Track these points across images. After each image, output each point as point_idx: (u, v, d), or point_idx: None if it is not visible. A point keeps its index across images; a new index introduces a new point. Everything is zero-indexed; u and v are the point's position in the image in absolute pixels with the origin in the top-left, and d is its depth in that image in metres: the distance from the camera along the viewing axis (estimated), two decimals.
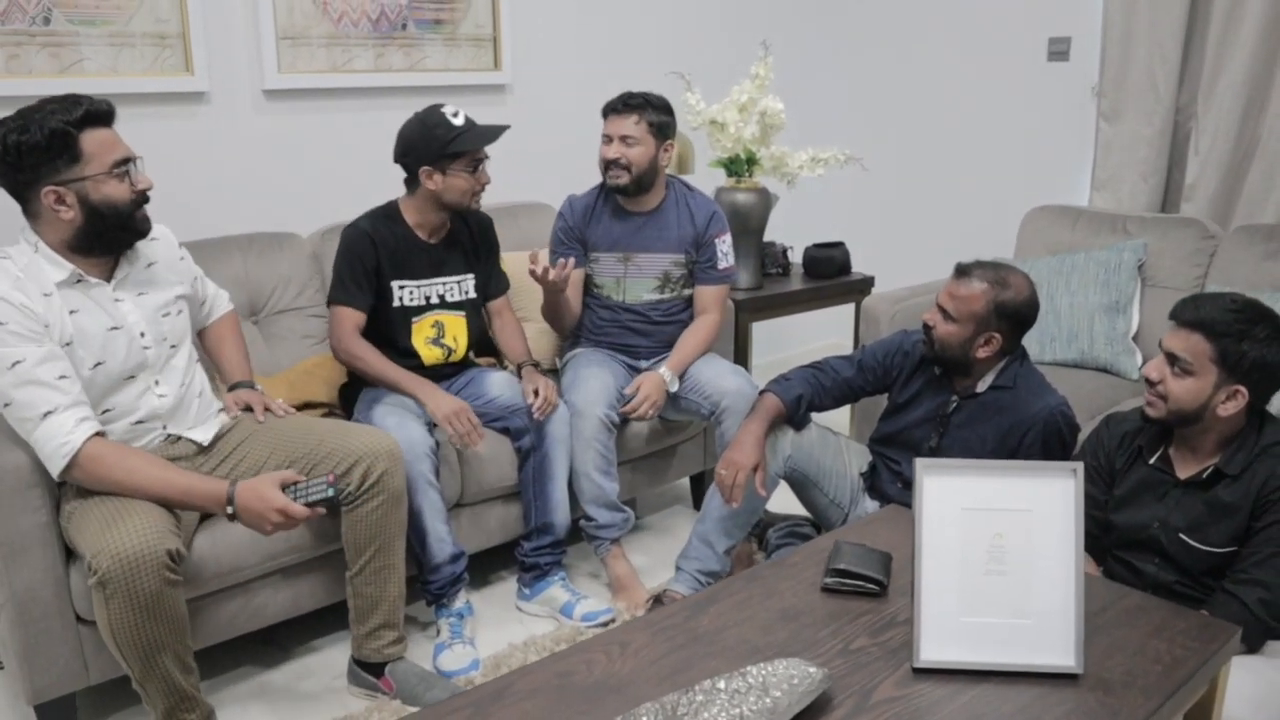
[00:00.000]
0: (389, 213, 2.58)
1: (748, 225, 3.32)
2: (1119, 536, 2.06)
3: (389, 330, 2.58)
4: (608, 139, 2.72)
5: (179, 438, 2.14)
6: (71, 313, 1.96)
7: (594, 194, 2.84)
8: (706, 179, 3.44)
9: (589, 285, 2.86)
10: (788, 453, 2.48)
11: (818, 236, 3.76)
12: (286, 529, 1.97)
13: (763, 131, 3.20)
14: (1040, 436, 2.27)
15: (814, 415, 2.55)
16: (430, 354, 2.62)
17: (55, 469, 1.87)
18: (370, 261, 2.51)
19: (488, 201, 3.35)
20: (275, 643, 2.52)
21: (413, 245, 2.57)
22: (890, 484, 2.49)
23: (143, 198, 2.01)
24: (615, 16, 3.74)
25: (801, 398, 2.49)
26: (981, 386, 2.34)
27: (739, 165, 3.28)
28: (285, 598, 2.32)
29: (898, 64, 4.27)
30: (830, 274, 3.57)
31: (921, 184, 4.27)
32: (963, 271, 2.30)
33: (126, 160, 1.97)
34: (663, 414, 2.79)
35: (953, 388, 2.38)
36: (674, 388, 2.73)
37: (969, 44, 4.01)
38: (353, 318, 2.51)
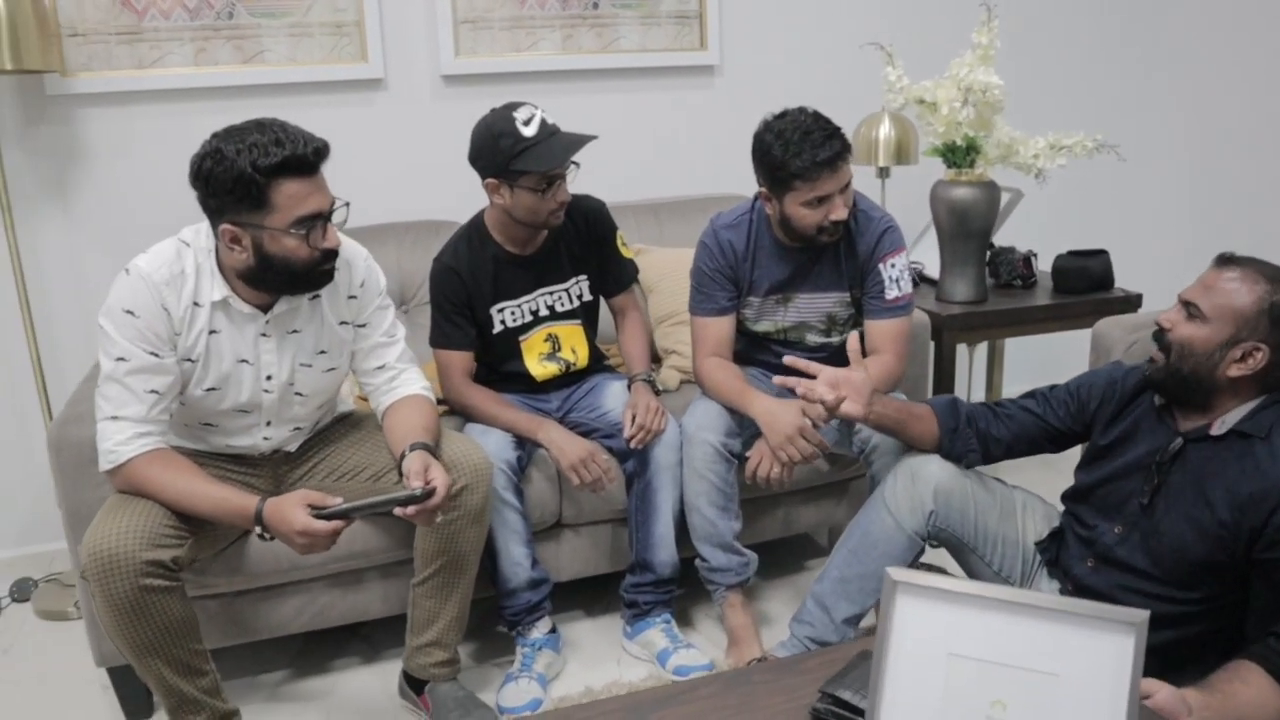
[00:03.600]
0: (474, 231, 2.35)
1: (967, 226, 2.76)
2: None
3: (496, 356, 2.39)
4: (821, 199, 2.15)
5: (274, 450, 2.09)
6: (212, 332, 1.87)
7: (747, 222, 2.33)
8: (925, 169, 2.91)
9: (740, 323, 2.42)
10: (930, 508, 1.98)
11: (1079, 242, 3.06)
12: (317, 550, 1.82)
13: (979, 114, 2.63)
14: None
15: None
16: (545, 371, 2.41)
17: (100, 466, 1.88)
18: (460, 296, 2.30)
19: (677, 192, 3.12)
20: (361, 639, 2.46)
21: (505, 263, 2.32)
22: (1077, 560, 1.89)
23: (326, 256, 1.83)
24: None
25: (956, 402, 1.99)
26: (1220, 427, 1.70)
27: (958, 154, 2.72)
28: (355, 601, 2.24)
29: (1171, 20, 3.37)
30: (1083, 289, 2.89)
31: (1215, 178, 3.35)
32: (1228, 260, 1.70)
33: (315, 217, 1.78)
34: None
35: (1176, 425, 1.77)
36: (818, 434, 2.21)
37: None
38: (459, 362, 2.33)
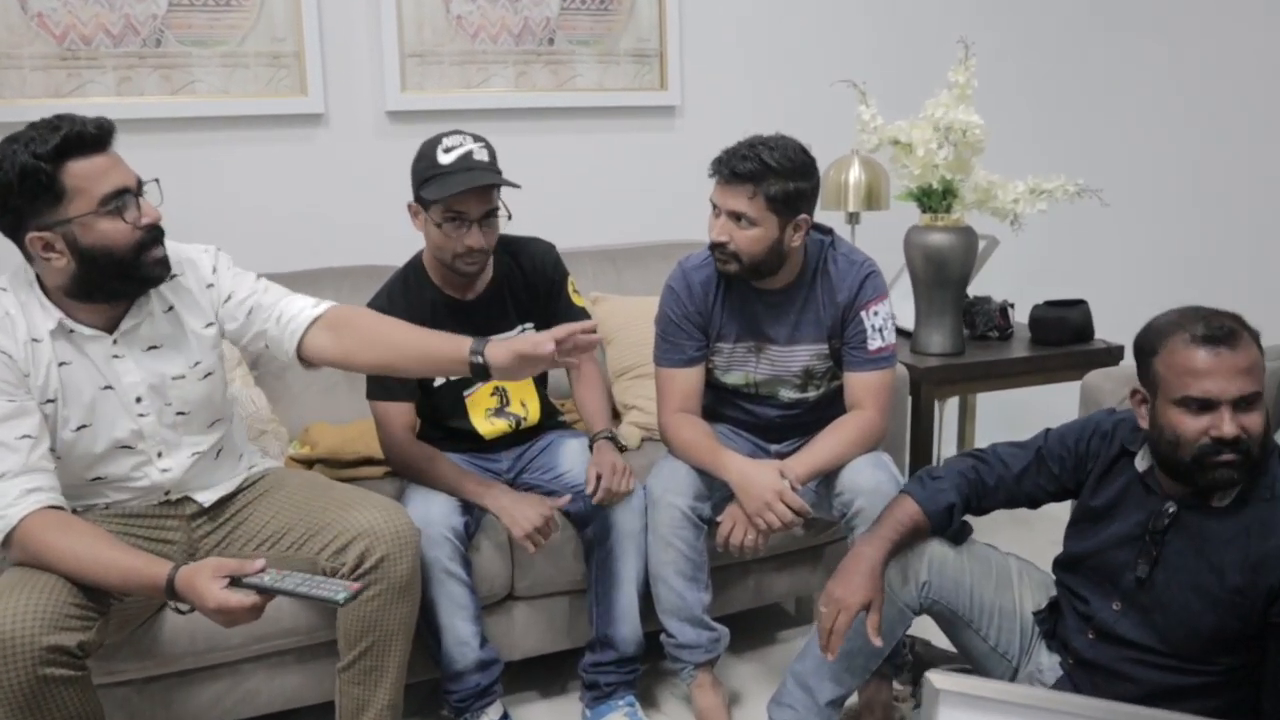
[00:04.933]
0: (411, 273, 2.16)
1: (945, 274, 2.62)
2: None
3: (439, 413, 2.18)
4: (715, 209, 2.06)
5: (183, 498, 1.88)
6: (61, 365, 1.70)
7: (712, 264, 2.14)
8: (897, 215, 2.78)
9: (709, 374, 2.24)
10: (924, 578, 1.82)
11: (1059, 293, 2.95)
12: (242, 623, 1.62)
13: (957, 155, 2.51)
14: None
15: (975, 520, 1.89)
16: (493, 428, 2.21)
17: None
18: None
19: (636, 238, 2.97)
20: None
21: (444, 308, 2.13)
22: (1076, 633, 1.75)
23: (151, 234, 1.68)
24: (789, 19, 3.18)
25: (953, 507, 1.82)
26: (1222, 500, 1.58)
27: (934, 198, 2.60)
28: (284, 685, 2.00)
29: (1154, 60, 3.31)
30: (1062, 340, 2.77)
31: (1196, 227, 3.29)
32: (1217, 338, 1.53)
33: (122, 192, 1.64)
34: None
35: (1164, 490, 1.64)
36: (799, 499, 2.04)
37: (1254, 21, 3.02)
38: (399, 415, 2.11)
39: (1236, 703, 1.61)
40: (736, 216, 2.01)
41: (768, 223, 2.00)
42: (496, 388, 2.21)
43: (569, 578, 2.17)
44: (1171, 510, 1.62)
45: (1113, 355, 2.75)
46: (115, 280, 1.68)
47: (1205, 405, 1.51)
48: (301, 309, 1.85)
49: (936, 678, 0.92)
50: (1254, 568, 1.53)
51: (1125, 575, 1.67)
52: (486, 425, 2.20)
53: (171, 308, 1.81)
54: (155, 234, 1.69)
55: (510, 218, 2.09)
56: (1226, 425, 1.50)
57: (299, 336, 1.83)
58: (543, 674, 2.35)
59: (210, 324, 1.84)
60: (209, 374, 1.84)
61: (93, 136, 1.62)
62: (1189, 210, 3.37)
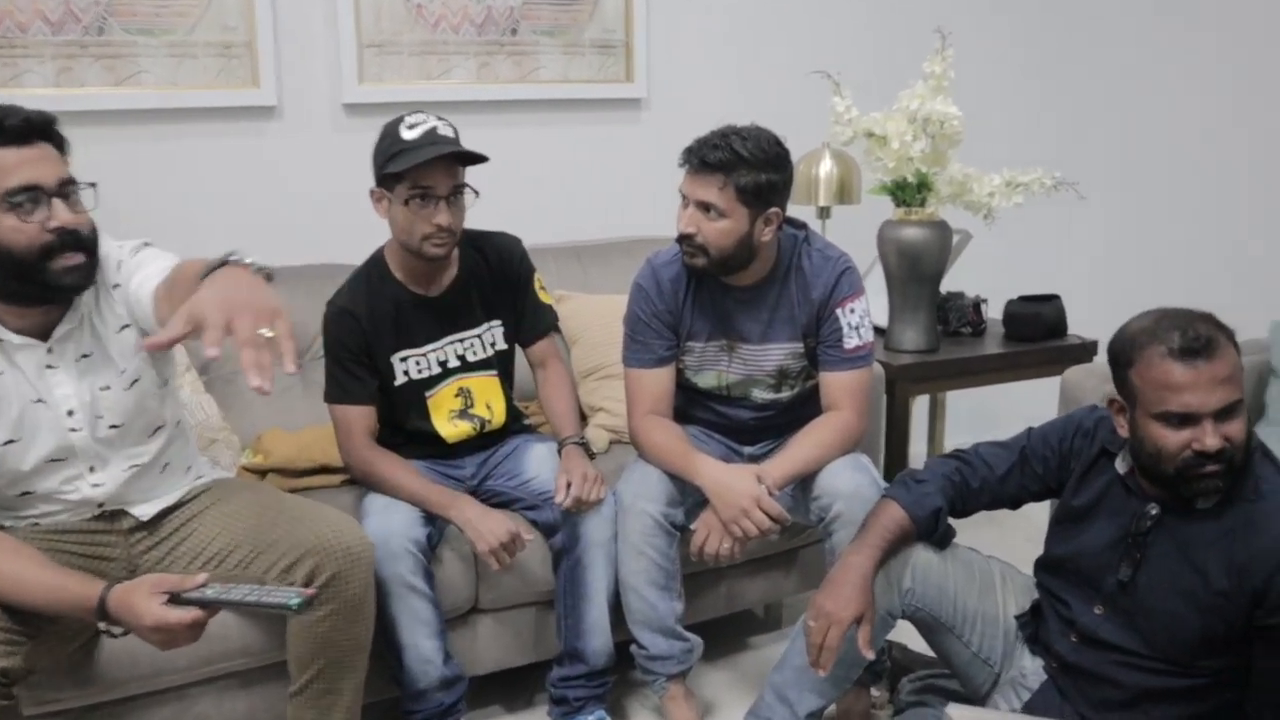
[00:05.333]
0: (373, 268, 2.08)
1: (919, 270, 2.56)
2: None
3: (400, 414, 2.09)
4: (684, 199, 1.99)
5: (118, 511, 1.77)
6: None
7: (681, 259, 2.06)
8: (869, 210, 2.72)
9: (680, 375, 2.16)
10: (908, 585, 1.77)
11: (1031, 287, 2.90)
12: (181, 644, 1.53)
13: (934, 147, 2.45)
14: None
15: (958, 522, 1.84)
16: (457, 431, 2.12)
17: None
18: (357, 343, 2.00)
19: (602, 234, 2.89)
20: None
21: (408, 305, 2.04)
22: (1059, 636, 1.71)
23: (63, 239, 1.56)
24: (760, 8, 3.10)
25: (940, 511, 1.77)
26: (1206, 502, 1.54)
27: (908, 192, 2.54)
28: (234, 710, 1.89)
29: (1128, 55, 3.27)
30: (1036, 336, 2.72)
31: (1170, 221, 3.27)
32: (1194, 350, 1.47)
33: (31, 189, 1.54)
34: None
35: (1145, 492, 1.61)
36: (777, 506, 1.97)
37: (1230, 19, 2.98)
38: (360, 419, 2.01)
39: (1223, 705, 1.58)
40: (705, 207, 1.94)
41: (737, 215, 1.93)
42: (461, 388, 2.12)
43: (536, 589, 2.09)
44: (1154, 512, 1.58)
45: (1087, 351, 2.72)
46: (15, 282, 1.57)
47: (1186, 419, 1.47)
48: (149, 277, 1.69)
49: (956, 711, 0.85)
50: (1239, 570, 1.50)
51: (1107, 578, 1.63)
52: (449, 428, 2.12)
53: (91, 314, 1.70)
54: (69, 239, 1.57)
55: (478, 195, 2.01)
56: (1209, 439, 1.46)
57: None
58: (509, 689, 2.26)
59: (125, 326, 1.71)
60: (135, 381, 1.73)
61: (14, 129, 1.54)
62: (1163, 204, 3.34)
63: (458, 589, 2.02)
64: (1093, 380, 2.22)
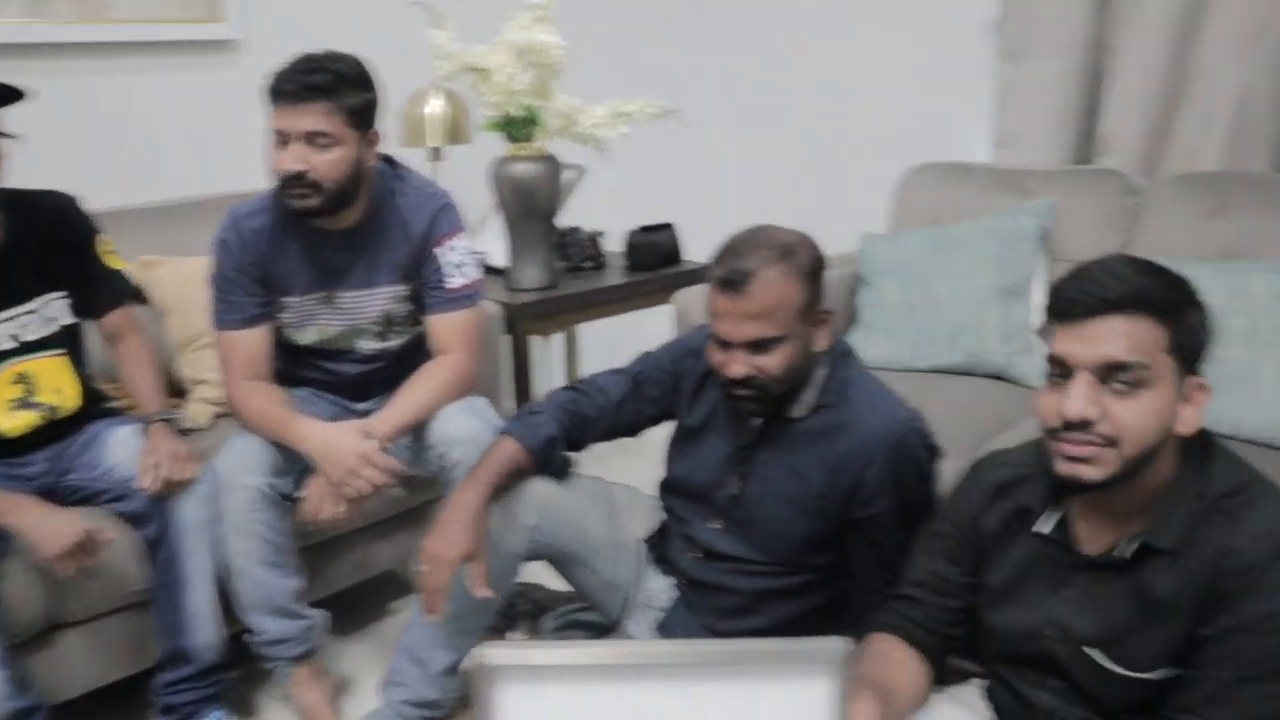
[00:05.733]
0: None
1: (532, 206, 2.52)
2: (998, 646, 1.34)
3: None
4: (281, 138, 1.80)
5: None
6: None
7: (268, 209, 1.91)
8: (485, 149, 2.63)
9: (279, 334, 1.98)
10: (532, 522, 1.71)
11: (649, 218, 2.95)
12: None
13: (538, 79, 2.39)
14: (889, 469, 1.54)
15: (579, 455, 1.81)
16: (19, 423, 1.82)
17: None
18: None
19: (192, 191, 2.59)
20: None
21: None
22: (683, 554, 1.74)
23: None
24: None
25: (554, 440, 1.71)
26: (800, 411, 1.59)
27: (516, 127, 2.47)
28: None
29: None
30: (654, 265, 2.78)
31: (773, 145, 3.44)
32: (732, 282, 1.49)
33: None
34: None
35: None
36: (389, 459, 1.85)
37: None
38: None
39: (835, 597, 1.67)
40: (313, 138, 1.78)
41: (348, 140, 1.81)
42: (19, 373, 1.83)
43: (128, 589, 1.84)
44: (757, 424, 1.63)
45: (698, 275, 2.78)
46: None
47: (725, 344, 1.53)
48: None
49: (491, 652, 0.78)
50: (831, 470, 1.58)
51: (720, 494, 1.67)
52: (10, 420, 1.82)
53: None
54: None
55: (15, 139, 1.72)
56: (734, 366, 1.52)
57: None
58: (109, 709, 1.99)
59: None
60: None
61: None
62: (766, 130, 3.49)
63: (25, 605, 1.73)
64: (701, 302, 2.27)
